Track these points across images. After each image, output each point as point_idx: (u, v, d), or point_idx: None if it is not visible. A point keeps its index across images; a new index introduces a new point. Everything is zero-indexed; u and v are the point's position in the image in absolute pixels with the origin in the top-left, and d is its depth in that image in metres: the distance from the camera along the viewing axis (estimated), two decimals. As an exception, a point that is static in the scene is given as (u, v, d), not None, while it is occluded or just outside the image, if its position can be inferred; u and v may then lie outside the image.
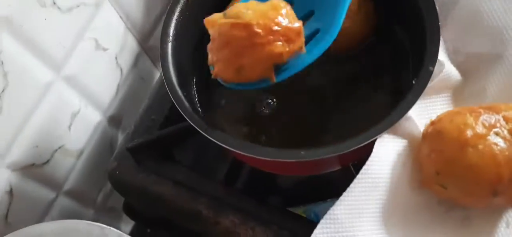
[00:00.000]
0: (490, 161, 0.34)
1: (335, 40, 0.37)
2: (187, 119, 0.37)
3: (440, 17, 0.39)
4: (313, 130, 0.42)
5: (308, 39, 0.37)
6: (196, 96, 0.43)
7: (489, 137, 0.34)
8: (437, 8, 0.39)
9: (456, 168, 0.35)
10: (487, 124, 0.34)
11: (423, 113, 0.40)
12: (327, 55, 0.37)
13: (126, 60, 0.55)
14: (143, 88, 0.59)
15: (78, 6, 0.46)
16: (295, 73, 0.36)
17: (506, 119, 0.35)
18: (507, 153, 0.34)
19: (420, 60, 0.37)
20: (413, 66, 0.41)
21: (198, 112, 0.41)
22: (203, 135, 0.36)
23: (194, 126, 0.36)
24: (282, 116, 0.43)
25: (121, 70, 0.55)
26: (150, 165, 0.47)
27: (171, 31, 0.41)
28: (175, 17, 0.42)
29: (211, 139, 0.36)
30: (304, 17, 0.39)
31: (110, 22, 0.51)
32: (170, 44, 0.41)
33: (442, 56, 0.40)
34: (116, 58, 0.53)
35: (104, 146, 0.56)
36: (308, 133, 0.42)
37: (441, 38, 0.38)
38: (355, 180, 0.36)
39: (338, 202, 0.35)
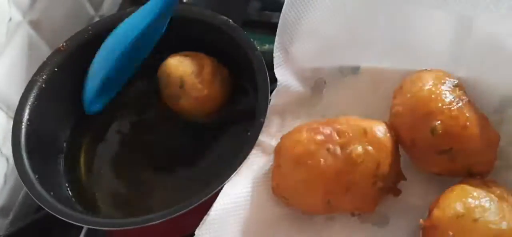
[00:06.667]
0: (317, 177, 0.36)
1: (196, 106, 0.44)
2: (33, 198, 0.37)
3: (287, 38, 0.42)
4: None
5: None
6: (64, 175, 0.44)
7: (319, 154, 0.36)
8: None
9: (290, 182, 0.37)
10: (319, 140, 0.36)
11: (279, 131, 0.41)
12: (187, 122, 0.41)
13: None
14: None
15: None
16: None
17: (339, 134, 0.36)
18: (334, 167, 0.36)
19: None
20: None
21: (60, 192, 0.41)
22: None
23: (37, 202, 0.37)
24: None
25: (7, 159, 0.55)
26: (27, 253, 0.46)
27: (25, 116, 0.42)
28: (29, 102, 0.43)
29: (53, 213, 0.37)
30: None
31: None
32: (23, 130, 0.42)
33: (283, 75, 0.43)
34: (0, 149, 0.54)
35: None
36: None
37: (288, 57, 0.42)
38: (216, 202, 0.37)
39: (201, 225, 0.36)
